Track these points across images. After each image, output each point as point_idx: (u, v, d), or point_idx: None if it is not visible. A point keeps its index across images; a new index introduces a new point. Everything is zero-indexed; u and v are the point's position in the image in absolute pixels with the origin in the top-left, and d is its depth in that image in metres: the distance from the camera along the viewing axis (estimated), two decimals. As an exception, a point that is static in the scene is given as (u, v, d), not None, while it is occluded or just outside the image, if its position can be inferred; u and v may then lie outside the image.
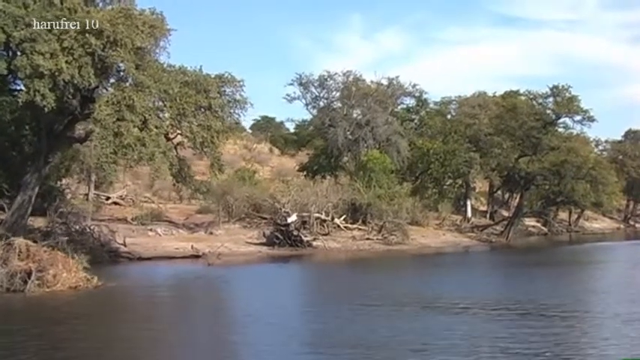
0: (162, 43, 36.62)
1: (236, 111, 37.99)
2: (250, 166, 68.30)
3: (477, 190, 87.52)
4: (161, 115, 34.04)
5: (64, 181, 49.23)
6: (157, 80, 34.11)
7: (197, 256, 41.41)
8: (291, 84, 63.53)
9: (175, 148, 37.27)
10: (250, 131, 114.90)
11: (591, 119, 61.76)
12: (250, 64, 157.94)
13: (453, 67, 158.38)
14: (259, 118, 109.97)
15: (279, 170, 79.57)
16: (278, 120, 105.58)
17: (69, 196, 49.66)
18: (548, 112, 63.39)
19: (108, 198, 57.58)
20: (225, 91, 37.96)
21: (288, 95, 63.89)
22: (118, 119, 32.36)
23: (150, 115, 33.60)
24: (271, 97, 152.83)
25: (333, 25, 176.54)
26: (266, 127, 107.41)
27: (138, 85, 33.17)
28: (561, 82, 62.76)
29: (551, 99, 62.86)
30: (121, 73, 33.40)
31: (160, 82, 34.23)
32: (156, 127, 34.01)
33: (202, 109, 35.01)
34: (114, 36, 31.94)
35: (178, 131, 35.68)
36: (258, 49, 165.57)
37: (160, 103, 34.63)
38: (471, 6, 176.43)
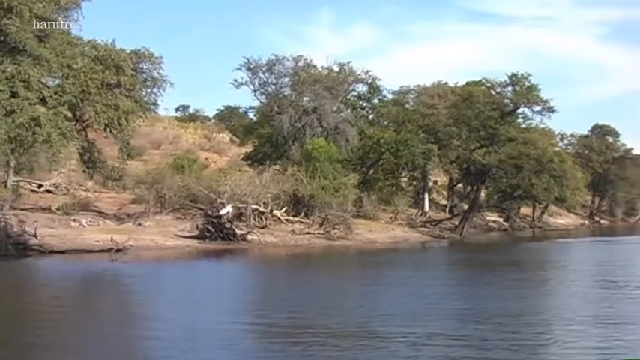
0: (75, 15, 33.59)
1: (153, 90, 35.08)
2: (191, 154, 64.79)
3: (439, 184, 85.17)
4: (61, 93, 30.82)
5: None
6: (59, 54, 30.98)
7: (118, 250, 37.98)
8: (239, 68, 60.41)
9: (85, 130, 34.16)
10: (213, 121, 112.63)
11: (551, 109, 58.86)
12: (216, 55, 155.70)
13: (423, 62, 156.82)
14: (223, 108, 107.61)
15: (235, 160, 76.42)
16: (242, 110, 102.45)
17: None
18: (506, 101, 60.52)
19: (40, 186, 54.15)
20: (142, 68, 34.96)
21: (235, 80, 60.73)
22: (11, 96, 29.17)
23: (49, 92, 30.49)
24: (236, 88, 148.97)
25: (302, 18, 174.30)
26: (229, 116, 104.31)
27: (36, 59, 29.95)
28: (533, 78, 59.59)
29: (510, 88, 60.00)
30: (18, 45, 30.14)
31: (63, 55, 31.10)
32: (59, 105, 30.90)
33: (110, 87, 31.89)
34: (8, 2, 28.66)
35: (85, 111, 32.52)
36: (226, 40, 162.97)
37: (63, 80, 31.50)
38: (441, 1, 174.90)
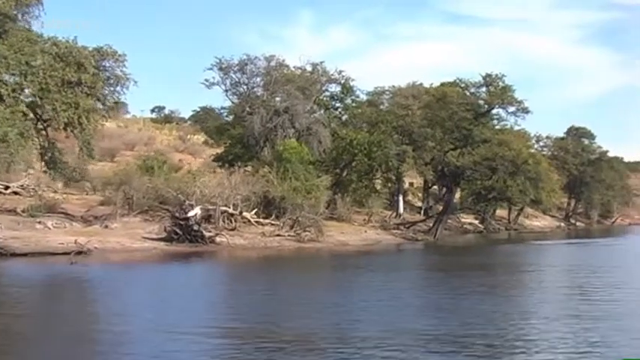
0: (36, 11, 32.66)
1: (117, 89, 34.17)
2: (160, 155, 63.60)
3: (415, 186, 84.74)
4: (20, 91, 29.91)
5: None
6: (17, 50, 30.03)
7: (79, 252, 36.81)
8: (210, 69, 59.62)
9: (45, 129, 33.20)
10: (189, 122, 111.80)
11: (525, 110, 58.27)
12: (194, 55, 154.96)
13: (404, 63, 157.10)
14: (198, 109, 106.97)
15: (209, 162, 75.49)
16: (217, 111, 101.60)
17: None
18: (480, 102, 59.95)
19: (7, 187, 53.01)
20: (105, 66, 34.03)
21: (206, 80, 59.92)
22: (-34, 93, 28.12)
23: (6, 89, 29.53)
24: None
25: (282, 20, 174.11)
26: (204, 118, 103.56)
27: (-7, 56, 28.97)
28: (511, 80, 59.25)
29: (484, 88, 59.43)
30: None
31: (22, 52, 30.16)
32: (16, 103, 29.93)
33: (70, 85, 30.97)
34: (-37, -3, 27.57)
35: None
36: (205, 42, 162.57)
37: (22, 77, 30.53)
38: (420, 4, 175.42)
